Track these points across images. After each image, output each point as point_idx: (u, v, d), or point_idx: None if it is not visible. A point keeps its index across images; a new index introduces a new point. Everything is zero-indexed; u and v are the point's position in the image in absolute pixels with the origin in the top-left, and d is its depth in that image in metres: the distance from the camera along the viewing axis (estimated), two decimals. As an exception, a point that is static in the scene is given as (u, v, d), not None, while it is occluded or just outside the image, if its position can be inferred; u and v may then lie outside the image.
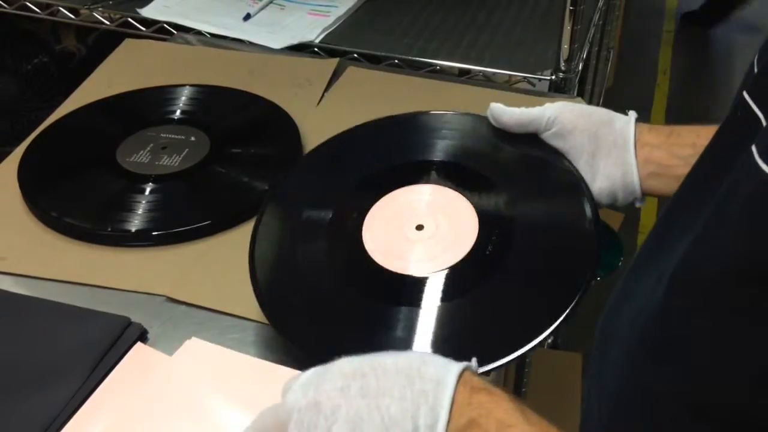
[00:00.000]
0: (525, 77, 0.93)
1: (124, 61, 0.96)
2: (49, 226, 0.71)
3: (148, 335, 0.61)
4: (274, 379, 0.56)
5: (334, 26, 1.04)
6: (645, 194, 0.62)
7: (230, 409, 0.55)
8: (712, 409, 0.37)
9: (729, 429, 0.36)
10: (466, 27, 1.04)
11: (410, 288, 0.57)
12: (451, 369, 0.41)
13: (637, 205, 0.63)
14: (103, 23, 1.07)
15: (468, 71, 0.96)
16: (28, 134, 0.81)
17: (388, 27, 1.04)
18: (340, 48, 0.99)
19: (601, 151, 0.62)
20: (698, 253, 0.38)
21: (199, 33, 1.02)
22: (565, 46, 0.87)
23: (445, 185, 0.64)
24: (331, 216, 0.63)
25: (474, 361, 0.45)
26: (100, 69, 0.94)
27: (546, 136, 0.64)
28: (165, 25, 1.03)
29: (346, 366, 0.42)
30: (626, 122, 0.62)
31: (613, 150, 0.61)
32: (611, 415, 0.46)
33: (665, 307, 0.40)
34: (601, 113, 0.63)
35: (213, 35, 1.01)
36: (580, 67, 0.96)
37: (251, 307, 0.63)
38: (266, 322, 0.62)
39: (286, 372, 0.57)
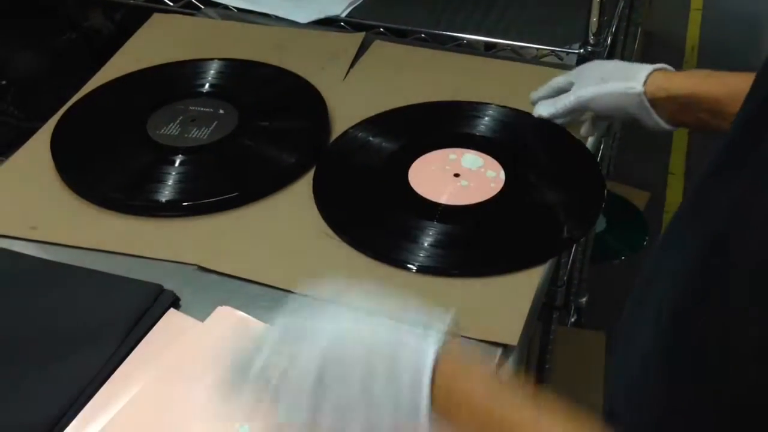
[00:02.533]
0: (552, 51, 0.93)
1: (152, 36, 0.97)
2: (82, 197, 0.72)
3: (180, 302, 0.62)
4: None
5: (360, 0, 1.03)
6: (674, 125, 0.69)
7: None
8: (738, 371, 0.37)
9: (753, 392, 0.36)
10: (493, 0, 1.03)
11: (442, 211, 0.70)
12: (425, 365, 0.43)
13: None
14: (130, -1, 1.08)
15: (494, 45, 0.95)
16: (57, 110, 0.82)
17: (414, 1, 1.03)
18: (367, 22, 0.99)
19: (631, 120, 0.71)
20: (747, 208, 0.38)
21: (225, 7, 1.02)
22: (594, 19, 0.86)
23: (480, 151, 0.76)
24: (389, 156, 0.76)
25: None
26: (128, 44, 0.95)
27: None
28: (192, 0, 1.03)
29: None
30: (641, 102, 0.68)
31: (640, 121, 0.70)
32: (637, 378, 0.46)
33: (703, 264, 0.40)
34: (618, 97, 0.69)
35: (240, 9, 1.01)
36: (608, 42, 0.95)
37: (279, 276, 0.64)
38: (294, 291, 0.63)
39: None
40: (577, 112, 0.74)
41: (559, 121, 0.76)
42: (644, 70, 0.68)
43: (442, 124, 0.80)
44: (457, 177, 0.72)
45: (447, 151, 0.75)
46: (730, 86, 0.63)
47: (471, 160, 0.74)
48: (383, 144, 0.77)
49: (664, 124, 0.69)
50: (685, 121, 0.69)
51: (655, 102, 0.68)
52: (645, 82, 0.68)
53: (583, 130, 0.77)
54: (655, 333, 0.44)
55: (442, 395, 0.43)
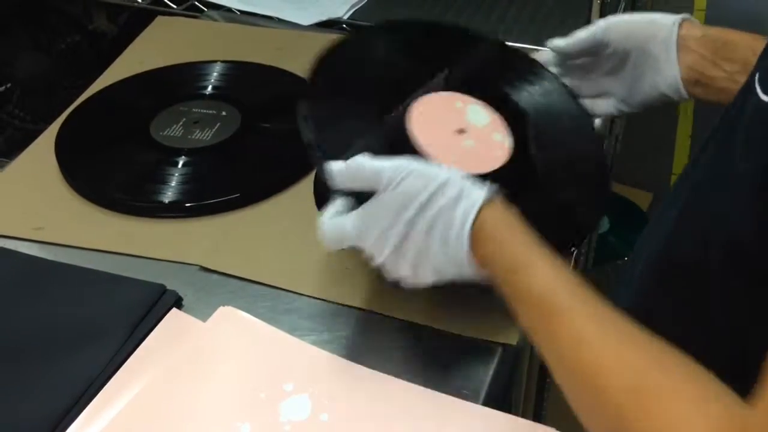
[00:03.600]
0: (554, 52, 0.93)
1: (155, 39, 0.97)
2: (86, 198, 0.73)
3: (183, 302, 0.62)
4: (298, 354, 0.58)
5: (363, 2, 1.04)
6: (691, 97, 0.64)
7: (257, 375, 0.57)
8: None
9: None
10: (495, 0, 1.03)
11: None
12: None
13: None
14: (135, 1, 1.09)
15: (496, 46, 0.96)
16: (62, 112, 0.83)
17: (415, 2, 1.04)
18: (369, 24, 0.99)
19: (647, 63, 0.65)
20: (707, 181, 0.40)
21: (228, 10, 1.03)
22: (595, 19, 0.87)
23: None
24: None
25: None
26: (132, 46, 0.96)
27: (602, 55, 0.67)
28: (195, 3, 1.04)
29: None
30: (669, 33, 0.63)
31: (658, 63, 0.64)
32: None
33: (675, 234, 0.45)
34: (643, 27, 0.65)
35: (242, 12, 1.02)
36: (609, 42, 0.95)
37: (282, 277, 0.65)
38: (296, 291, 0.63)
39: (310, 349, 0.58)
40: (593, 47, 0.66)
41: (569, 82, 0.69)
42: (676, 16, 0.64)
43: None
44: (461, 134, 0.62)
45: (453, 96, 0.65)
46: (747, 65, 0.60)
47: (477, 114, 0.65)
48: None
49: (678, 78, 0.63)
50: (706, 75, 0.63)
51: (686, 41, 0.62)
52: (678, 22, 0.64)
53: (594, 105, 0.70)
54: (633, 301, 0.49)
55: (482, 237, 0.49)
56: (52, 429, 0.53)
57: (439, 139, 0.62)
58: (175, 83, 0.87)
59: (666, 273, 0.51)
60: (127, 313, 0.60)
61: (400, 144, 0.60)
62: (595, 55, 0.67)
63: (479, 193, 0.50)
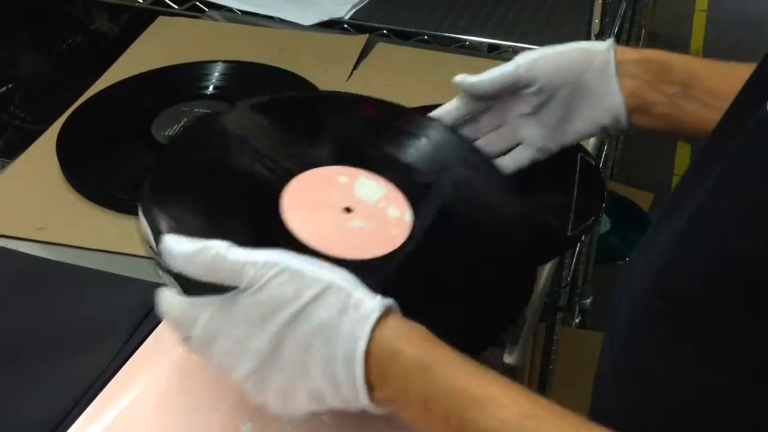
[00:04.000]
0: (555, 52, 0.93)
1: (156, 39, 0.97)
2: (87, 198, 0.73)
3: (184, 302, 0.62)
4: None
5: (364, 2, 1.04)
6: (631, 127, 0.59)
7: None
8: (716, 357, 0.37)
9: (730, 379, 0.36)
10: (497, 2, 1.03)
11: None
12: (358, 346, 0.39)
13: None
14: (136, 1, 1.09)
15: (498, 47, 0.96)
16: (63, 112, 0.83)
17: (417, 3, 1.04)
18: (370, 24, 0.99)
19: (582, 96, 0.58)
20: (707, 210, 0.38)
21: (229, 10, 1.03)
22: (596, 20, 0.87)
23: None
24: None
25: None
26: (133, 46, 0.96)
27: (523, 94, 0.59)
28: (197, 3, 1.04)
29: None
30: (605, 61, 0.57)
31: (597, 95, 0.58)
32: (619, 367, 0.46)
33: (669, 266, 0.40)
34: (576, 58, 0.58)
35: (243, 12, 1.02)
36: (611, 43, 0.95)
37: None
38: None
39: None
40: (512, 86, 0.58)
41: (481, 138, 0.59)
42: (606, 42, 0.58)
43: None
44: (348, 213, 0.52)
45: (336, 170, 0.55)
46: (705, 61, 0.59)
47: (366, 187, 0.54)
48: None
49: (623, 107, 0.57)
50: (647, 101, 0.57)
51: (624, 66, 0.57)
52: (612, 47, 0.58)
53: (506, 158, 0.61)
54: (627, 334, 0.44)
55: (378, 377, 0.40)
56: (54, 429, 0.53)
57: (320, 223, 0.51)
58: (176, 83, 0.87)
59: (663, 303, 0.43)
60: (129, 313, 0.60)
61: (271, 232, 0.50)
62: (511, 95, 0.59)
63: (371, 303, 0.40)
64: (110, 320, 0.59)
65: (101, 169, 0.76)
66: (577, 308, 1.52)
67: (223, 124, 0.59)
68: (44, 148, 0.78)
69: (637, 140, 1.71)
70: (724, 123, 0.45)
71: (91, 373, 0.56)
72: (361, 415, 0.54)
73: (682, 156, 1.92)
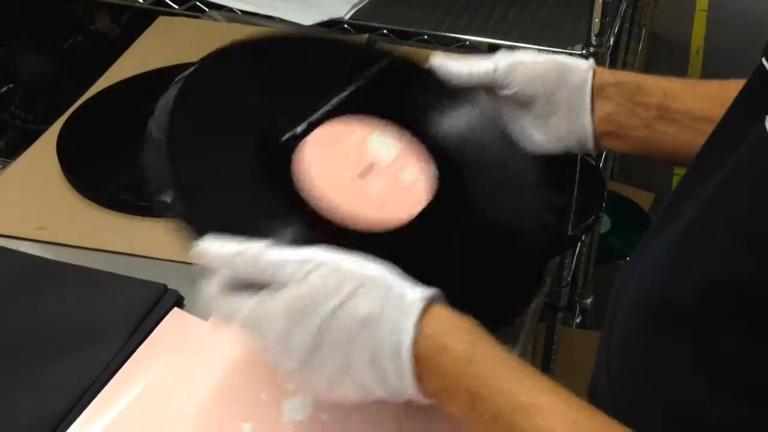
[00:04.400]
0: (555, 52, 0.93)
1: (157, 39, 0.97)
2: (88, 198, 0.73)
3: (184, 302, 0.62)
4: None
5: (364, 2, 1.04)
6: (601, 148, 0.59)
7: (258, 374, 0.57)
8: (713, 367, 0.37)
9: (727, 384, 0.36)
10: (496, 2, 1.03)
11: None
12: (404, 339, 0.39)
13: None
14: (137, 1, 1.09)
15: (497, 46, 0.95)
16: (64, 112, 0.83)
17: (417, 3, 1.04)
18: (370, 24, 0.99)
19: (555, 111, 0.57)
20: (701, 221, 0.38)
21: (230, 10, 1.03)
22: (596, 20, 0.87)
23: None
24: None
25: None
26: (134, 46, 0.96)
27: (500, 94, 0.58)
28: (197, 3, 1.04)
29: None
30: (583, 80, 0.56)
31: (568, 113, 0.57)
32: (617, 372, 0.46)
33: (664, 284, 0.40)
34: (555, 69, 0.57)
35: (244, 12, 1.02)
36: (611, 42, 0.95)
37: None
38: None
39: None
40: (488, 83, 0.57)
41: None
42: (588, 61, 0.58)
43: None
44: (367, 174, 0.50)
45: (351, 124, 0.52)
46: (677, 81, 0.58)
47: (382, 144, 0.51)
48: None
49: (590, 131, 0.56)
50: (624, 126, 0.57)
51: (603, 89, 0.56)
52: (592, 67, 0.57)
53: None
54: (625, 340, 0.44)
55: (429, 373, 0.40)
56: (54, 429, 0.53)
57: (339, 185, 0.48)
58: (176, 83, 0.86)
59: (662, 317, 0.43)
60: (129, 312, 0.60)
61: (291, 201, 0.47)
62: (488, 88, 0.58)
63: (413, 294, 0.40)
64: (110, 321, 0.59)
65: (101, 169, 0.76)
66: (578, 308, 1.52)
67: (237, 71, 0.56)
68: (44, 148, 0.78)
69: (638, 140, 1.72)
70: (720, 133, 0.44)
71: (91, 373, 0.56)
72: (365, 415, 0.54)
73: (683, 156, 1.92)
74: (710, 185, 0.39)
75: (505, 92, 0.57)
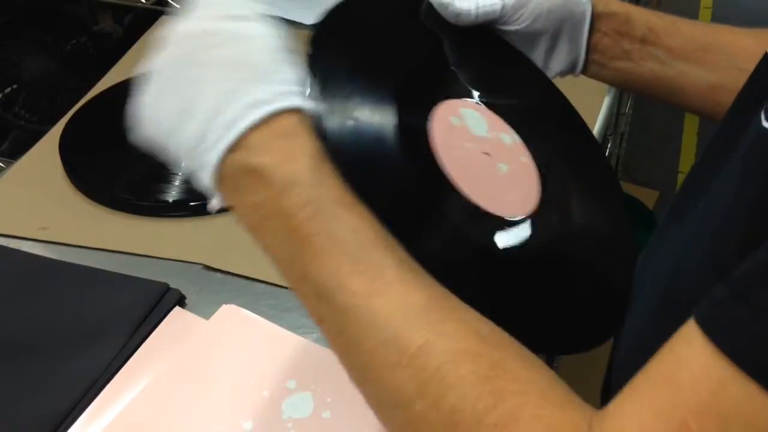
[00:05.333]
0: None
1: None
2: (90, 198, 0.73)
3: (186, 301, 0.63)
4: (300, 352, 0.58)
5: (366, 2, 1.04)
6: (585, 74, 0.60)
7: (259, 373, 0.57)
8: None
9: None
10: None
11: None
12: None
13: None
14: (139, 2, 1.09)
15: None
16: (66, 113, 0.83)
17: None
18: None
19: (560, 40, 0.58)
20: (708, 213, 0.38)
21: (232, 10, 1.03)
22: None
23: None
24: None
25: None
26: (136, 47, 0.96)
27: (503, 29, 0.58)
28: (199, 3, 1.04)
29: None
30: (583, 12, 0.57)
31: (569, 40, 0.58)
32: (628, 373, 0.46)
33: (675, 286, 0.40)
34: (560, 2, 0.57)
35: (246, 12, 1.02)
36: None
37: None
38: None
39: (313, 347, 0.58)
40: (493, 21, 0.57)
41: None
42: None
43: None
44: (490, 155, 0.46)
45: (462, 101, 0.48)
46: (665, 18, 0.59)
47: (480, 123, 0.48)
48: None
49: (582, 59, 0.58)
50: (607, 55, 0.58)
51: (595, 19, 0.58)
52: None
53: None
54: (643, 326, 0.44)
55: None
56: (56, 426, 0.53)
57: (471, 167, 0.45)
58: (178, 83, 0.87)
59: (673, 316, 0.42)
60: (131, 311, 0.60)
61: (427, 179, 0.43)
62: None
63: (271, 96, 0.38)
64: (112, 319, 0.59)
65: (104, 169, 0.76)
66: (582, 306, 1.51)
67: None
68: (47, 148, 0.79)
69: (642, 138, 1.71)
70: (725, 128, 0.45)
71: (94, 372, 0.56)
72: (366, 413, 0.54)
73: (687, 153, 1.92)
74: (718, 180, 0.39)
75: (512, 28, 0.57)
